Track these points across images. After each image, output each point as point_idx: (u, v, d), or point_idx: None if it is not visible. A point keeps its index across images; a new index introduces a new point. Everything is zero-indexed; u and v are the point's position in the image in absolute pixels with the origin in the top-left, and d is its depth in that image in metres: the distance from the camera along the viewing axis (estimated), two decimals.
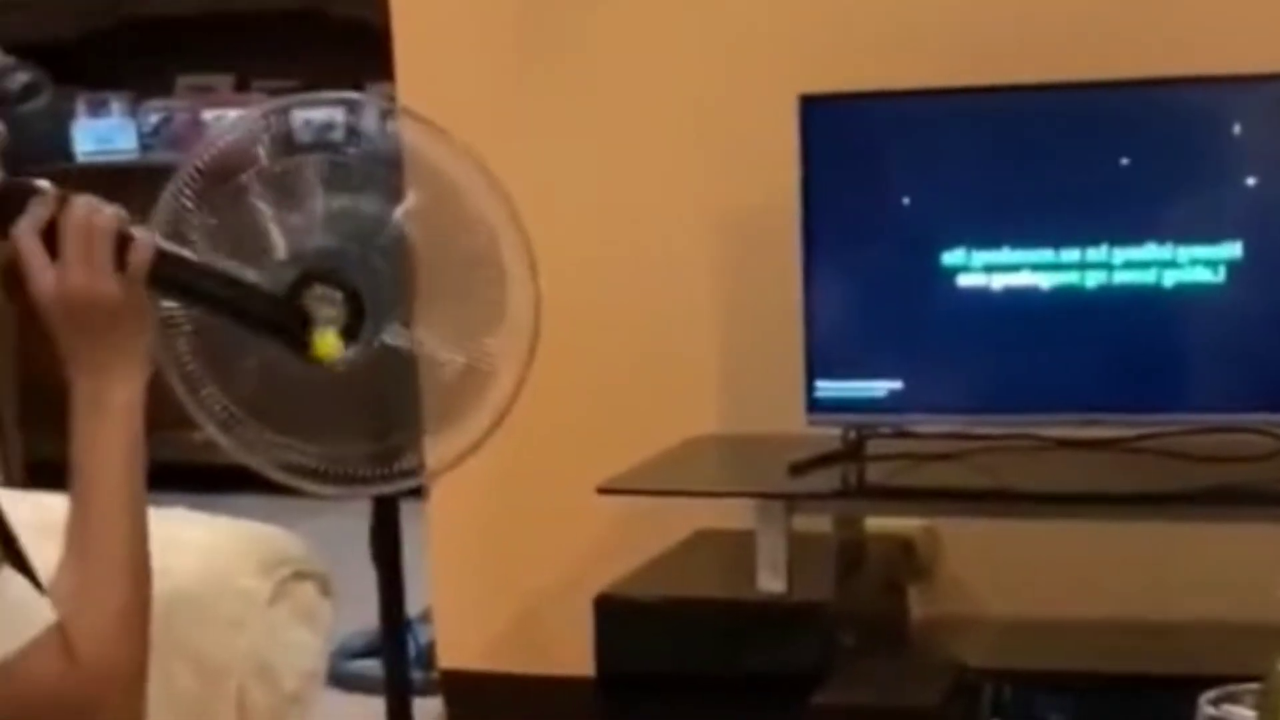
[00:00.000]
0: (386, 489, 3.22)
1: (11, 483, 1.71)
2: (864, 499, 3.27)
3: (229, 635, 2.13)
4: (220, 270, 1.72)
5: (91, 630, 1.52)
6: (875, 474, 3.24)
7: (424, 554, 3.84)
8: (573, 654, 3.44)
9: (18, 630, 1.47)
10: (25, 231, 1.57)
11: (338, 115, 3.19)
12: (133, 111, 6.23)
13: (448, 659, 3.92)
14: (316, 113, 3.17)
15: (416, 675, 3.58)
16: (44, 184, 1.59)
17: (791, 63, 3.46)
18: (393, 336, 2.69)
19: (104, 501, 1.57)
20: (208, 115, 6.09)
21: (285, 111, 3.18)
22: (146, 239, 1.60)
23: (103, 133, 6.10)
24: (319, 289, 1.84)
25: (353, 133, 3.11)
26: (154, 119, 6.21)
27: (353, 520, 3.27)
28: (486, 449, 3.18)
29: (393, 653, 3.41)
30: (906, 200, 3.25)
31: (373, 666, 3.45)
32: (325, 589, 2.26)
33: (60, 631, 1.50)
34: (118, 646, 1.54)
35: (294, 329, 1.67)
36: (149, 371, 1.60)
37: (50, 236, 1.58)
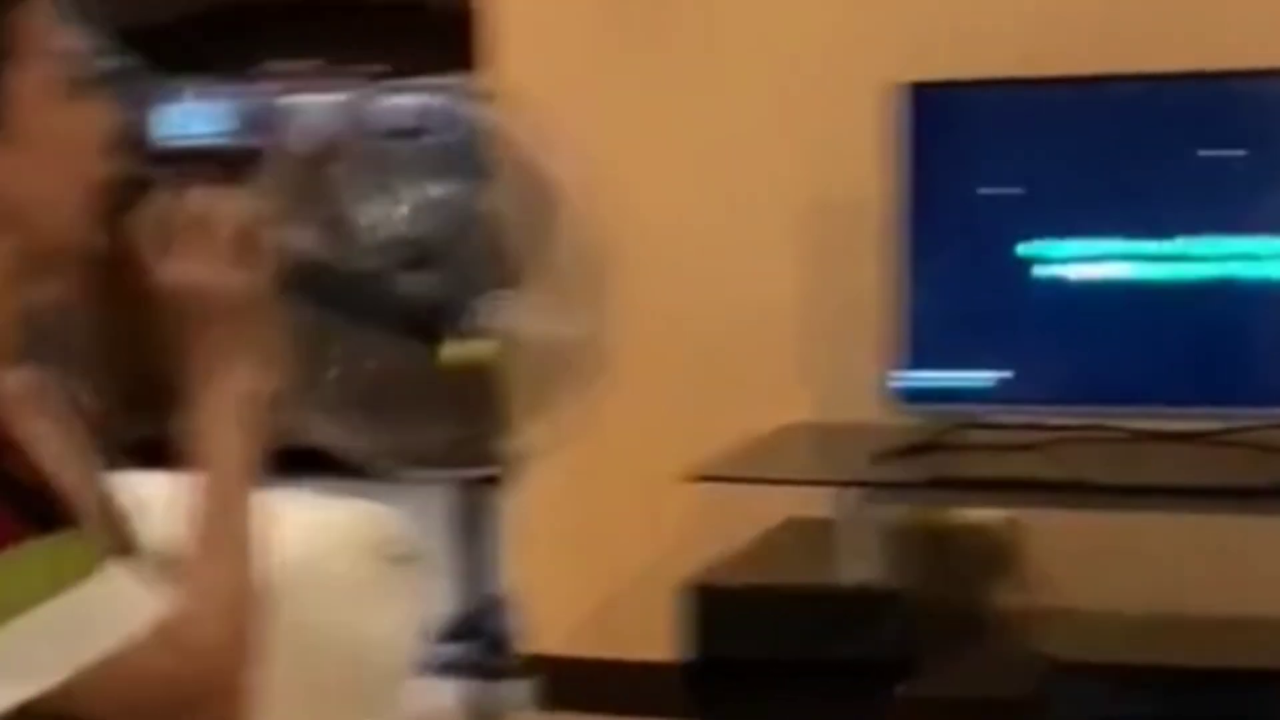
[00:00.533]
0: (473, 473, 3.26)
1: (111, 465, 1.71)
2: (948, 489, 3.27)
3: (333, 613, 2.15)
4: (359, 270, 1.71)
5: (203, 621, 1.53)
6: (960, 464, 3.24)
7: (509, 539, 3.87)
8: (658, 640, 3.46)
9: (125, 621, 1.48)
10: (146, 222, 1.59)
11: (427, 101, 3.22)
12: (220, 96, 6.27)
13: (532, 643, 3.94)
14: (405, 99, 3.20)
15: (501, 659, 3.61)
16: (166, 174, 1.60)
17: (879, 53, 3.46)
18: (487, 319, 2.71)
19: (223, 494, 1.58)
20: (294, 101, 6.12)
21: (374, 97, 3.21)
22: (280, 233, 1.61)
23: (190, 117, 6.14)
24: (415, 275, 1.84)
25: (441, 118, 3.14)
26: (241, 104, 6.25)
27: (436, 503, 3.30)
28: (574, 434, 3.21)
29: (477, 637, 3.44)
30: (998, 190, 3.25)
31: (457, 650, 3.47)
32: (425, 569, 2.28)
33: (171, 622, 1.51)
34: (229, 639, 1.55)
35: (421, 333, 1.65)
36: (272, 363, 1.60)
37: (172, 227, 1.59)
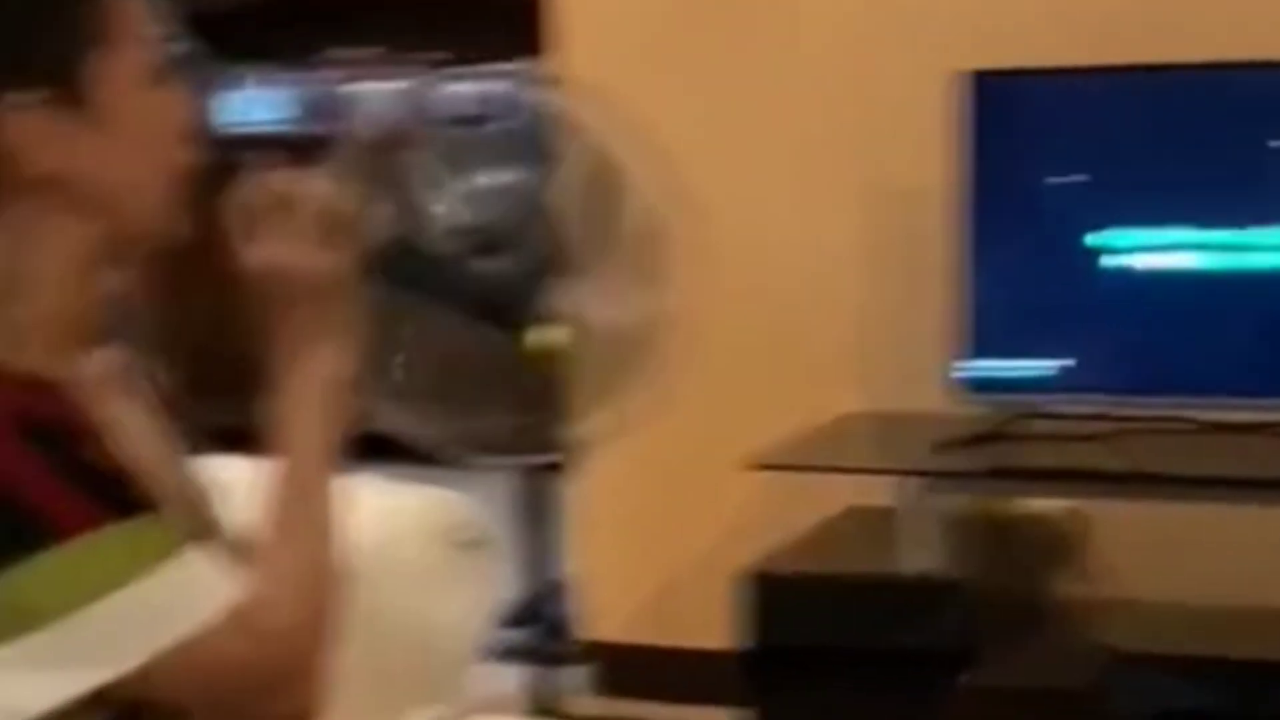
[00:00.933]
0: (537, 460, 3.26)
1: (192, 448, 1.72)
2: (1011, 479, 3.26)
3: (404, 598, 2.15)
4: (441, 261, 1.71)
5: (280, 609, 1.53)
6: (1022, 454, 3.23)
7: (571, 525, 3.87)
8: (716, 628, 3.46)
9: (202, 607, 1.49)
10: (232, 204, 1.60)
11: (490, 88, 3.22)
12: (282, 84, 6.30)
13: (592, 631, 3.95)
14: (467, 86, 3.20)
15: (560, 645, 3.62)
16: (252, 157, 1.61)
17: (944, 41, 3.45)
18: (556, 306, 2.72)
19: (303, 482, 1.58)
20: (356, 88, 6.14)
21: (436, 85, 3.22)
22: (370, 217, 1.61)
23: (252, 105, 6.16)
24: (484, 261, 1.83)
25: (505, 104, 3.14)
26: (303, 91, 6.28)
27: (499, 490, 3.31)
28: (637, 422, 3.21)
29: (538, 623, 3.45)
30: (1062, 179, 3.24)
31: (516, 636, 3.48)
32: (495, 555, 2.28)
33: (247, 609, 1.51)
34: (305, 623, 1.55)
35: (498, 318, 1.65)
36: (355, 347, 1.60)
37: (259, 209, 1.60)
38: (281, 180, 1.60)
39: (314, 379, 1.59)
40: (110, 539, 1.45)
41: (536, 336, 1.63)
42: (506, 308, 1.65)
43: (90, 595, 1.44)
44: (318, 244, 1.59)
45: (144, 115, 1.55)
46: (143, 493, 1.51)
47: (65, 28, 1.52)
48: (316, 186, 1.60)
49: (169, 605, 1.48)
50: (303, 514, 1.58)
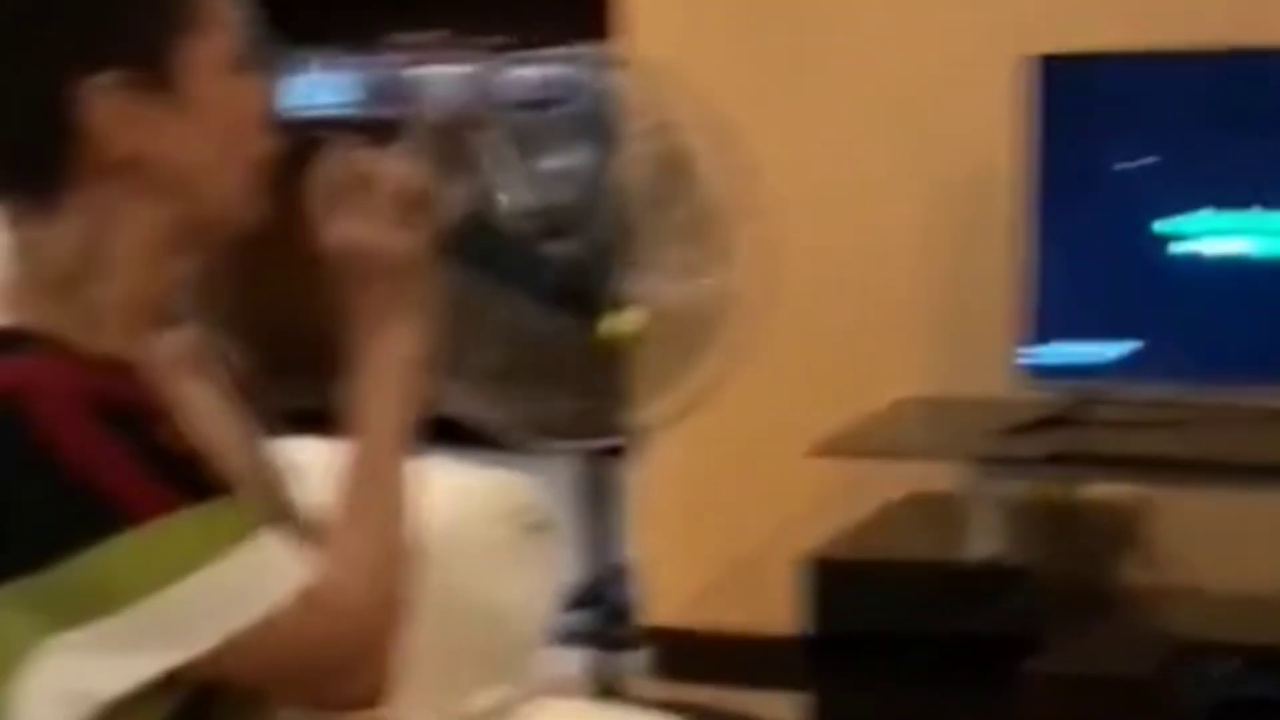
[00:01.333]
0: (599, 444, 3.27)
1: (268, 429, 1.72)
2: (1077, 465, 3.24)
3: (470, 579, 2.15)
4: (518, 242, 1.71)
5: (352, 589, 1.54)
6: (1088, 440, 3.21)
7: (632, 510, 3.87)
8: (777, 613, 3.45)
9: (275, 588, 1.49)
10: (322, 180, 1.60)
11: (555, 71, 3.23)
12: (346, 68, 6.32)
13: (652, 615, 3.95)
14: (532, 69, 3.21)
15: (621, 629, 3.62)
16: (333, 136, 1.61)
17: (1012, 25, 3.43)
18: (624, 288, 2.72)
19: (378, 460, 1.58)
20: (421, 72, 6.15)
21: (502, 68, 3.22)
22: (448, 198, 1.61)
23: (317, 88, 6.18)
24: (553, 244, 1.82)
25: (570, 88, 3.14)
26: (367, 75, 6.29)
27: (561, 474, 3.31)
28: (699, 407, 3.21)
29: (599, 607, 3.46)
30: (1128, 164, 3.22)
31: (578, 620, 3.48)
32: (559, 538, 2.28)
33: (319, 589, 1.51)
34: (377, 611, 1.55)
35: (587, 306, 1.65)
36: (430, 327, 1.60)
37: (346, 188, 1.60)
38: (359, 160, 1.61)
39: (389, 359, 1.60)
40: (185, 522, 1.46)
41: (610, 323, 1.62)
42: (577, 293, 1.65)
43: (164, 579, 1.45)
44: (394, 223, 1.59)
45: (226, 102, 1.56)
46: (217, 475, 1.51)
47: (155, 12, 1.53)
48: (393, 166, 1.60)
49: (242, 587, 1.48)
50: (375, 495, 1.58)
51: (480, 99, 3.11)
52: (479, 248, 1.64)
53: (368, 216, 1.59)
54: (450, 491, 2.05)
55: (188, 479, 1.48)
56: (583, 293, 1.64)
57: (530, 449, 3.15)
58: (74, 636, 1.45)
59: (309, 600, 1.50)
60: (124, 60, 1.51)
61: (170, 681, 1.47)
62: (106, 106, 1.51)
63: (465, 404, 3.08)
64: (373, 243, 1.59)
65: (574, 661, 3.39)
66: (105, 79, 1.51)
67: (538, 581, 2.24)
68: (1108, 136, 3.27)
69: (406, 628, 1.57)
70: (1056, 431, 3.22)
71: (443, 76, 6.04)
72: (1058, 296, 3.28)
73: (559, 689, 2.38)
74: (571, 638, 3.60)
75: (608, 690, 3.42)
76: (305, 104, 6.21)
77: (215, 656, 1.47)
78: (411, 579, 1.58)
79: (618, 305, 1.60)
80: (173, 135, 1.53)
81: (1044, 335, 3.27)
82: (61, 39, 1.51)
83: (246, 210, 1.59)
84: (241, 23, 1.58)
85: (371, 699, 1.59)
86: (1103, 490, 3.40)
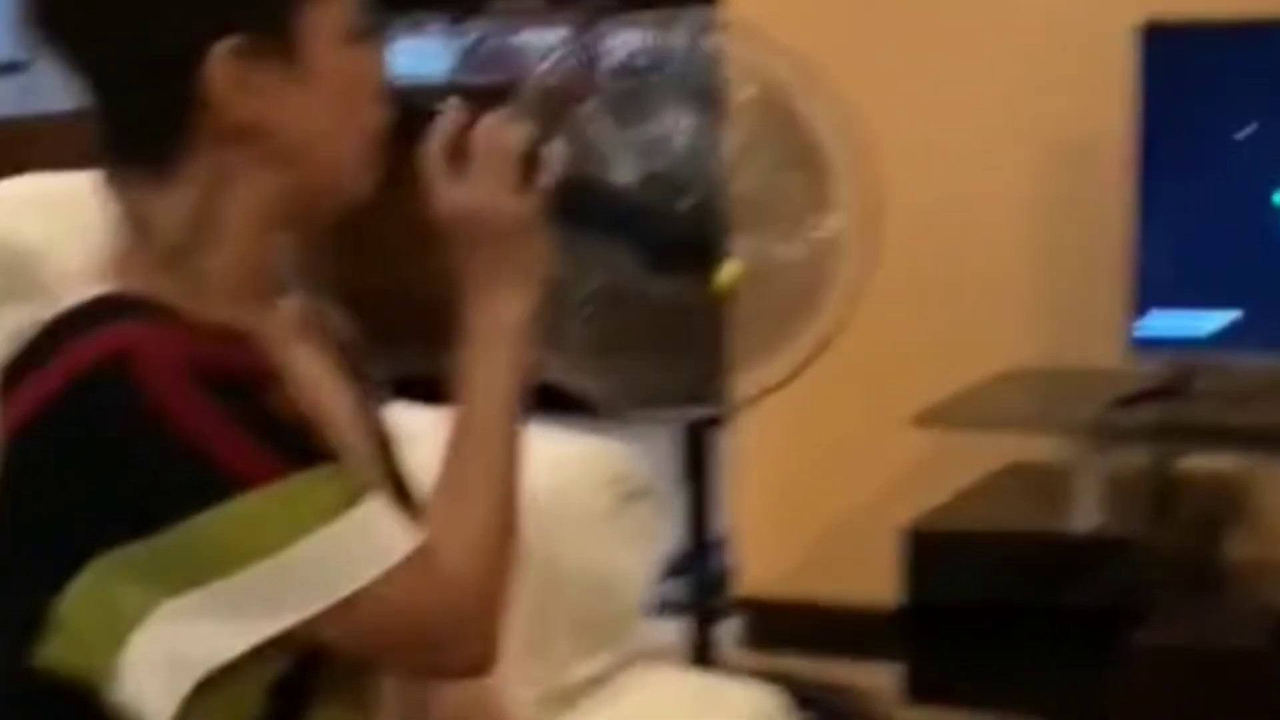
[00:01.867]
0: (698, 414, 3.25)
1: (377, 396, 1.72)
2: (1184, 437, 3.20)
3: (572, 547, 2.14)
4: (626, 196, 1.69)
5: (460, 556, 1.52)
6: (1196, 411, 3.17)
7: (729, 479, 3.86)
8: (874, 583, 3.43)
9: (379, 556, 1.48)
10: (432, 146, 1.58)
11: (654, 34, 3.21)
12: (448, 33, 6.32)
13: (747, 584, 3.94)
14: (631, 33, 3.19)
15: (717, 599, 3.62)
16: (452, 101, 1.60)
17: None
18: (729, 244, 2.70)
19: (485, 425, 1.57)
20: (521, 37, 6.15)
21: (602, 32, 3.21)
22: (554, 160, 1.59)
23: (418, 54, 6.18)
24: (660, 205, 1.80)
25: (671, 51, 3.12)
26: (468, 40, 6.30)
27: (658, 443, 3.30)
28: (800, 375, 3.19)
29: (695, 576, 3.45)
30: (1241, 132, 3.17)
31: (674, 588, 3.48)
32: (658, 508, 2.27)
33: (426, 556, 1.50)
34: (482, 580, 1.53)
35: (698, 260, 1.63)
36: (539, 292, 1.59)
37: (456, 154, 1.59)
38: (466, 126, 1.59)
39: (498, 325, 1.58)
40: (292, 489, 1.45)
41: (719, 275, 1.60)
42: (682, 250, 1.62)
43: (271, 546, 1.44)
44: (503, 188, 1.57)
45: (343, 71, 1.55)
46: (325, 443, 1.51)
47: None
48: (500, 131, 1.59)
49: (347, 555, 1.47)
50: (481, 463, 1.57)
51: (581, 64, 3.10)
52: (584, 208, 1.62)
53: (476, 181, 1.57)
54: (550, 460, 2.03)
55: (296, 446, 1.48)
56: (688, 249, 1.61)
57: (630, 418, 3.14)
58: (180, 603, 1.44)
59: (413, 569, 1.49)
60: (246, 27, 1.51)
61: (277, 646, 1.47)
62: (227, 73, 1.50)
63: (566, 372, 3.07)
64: (481, 208, 1.57)
65: (670, 630, 3.39)
66: (227, 46, 1.50)
67: (637, 551, 2.23)
68: (1217, 105, 3.21)
69: (510, 598, 1.56)
70: (1162, 403, 3.18)
71: (543, 41, 6.05)
72: (1165, 266, 3.23)
73: (655, 657, 2.37)
74: (667, 607, 3.60)
75: (702, 659, 3.42)
76: (406, 72, 6.23)
77: (318, 624, 1.46)
78: (517, 548, 1.57)
79: (720, 259, 1.58)
80: (291, 104, 1.53)
81: (1151, 305, 3.23)
82: (187, 5, 1.51)
83: (360, 180, 1.59)
84: None
85: (477, 669, 1.58)
86: (1208, 462, 3.35)
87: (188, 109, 1.51)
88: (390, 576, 1.47)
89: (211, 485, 1.43)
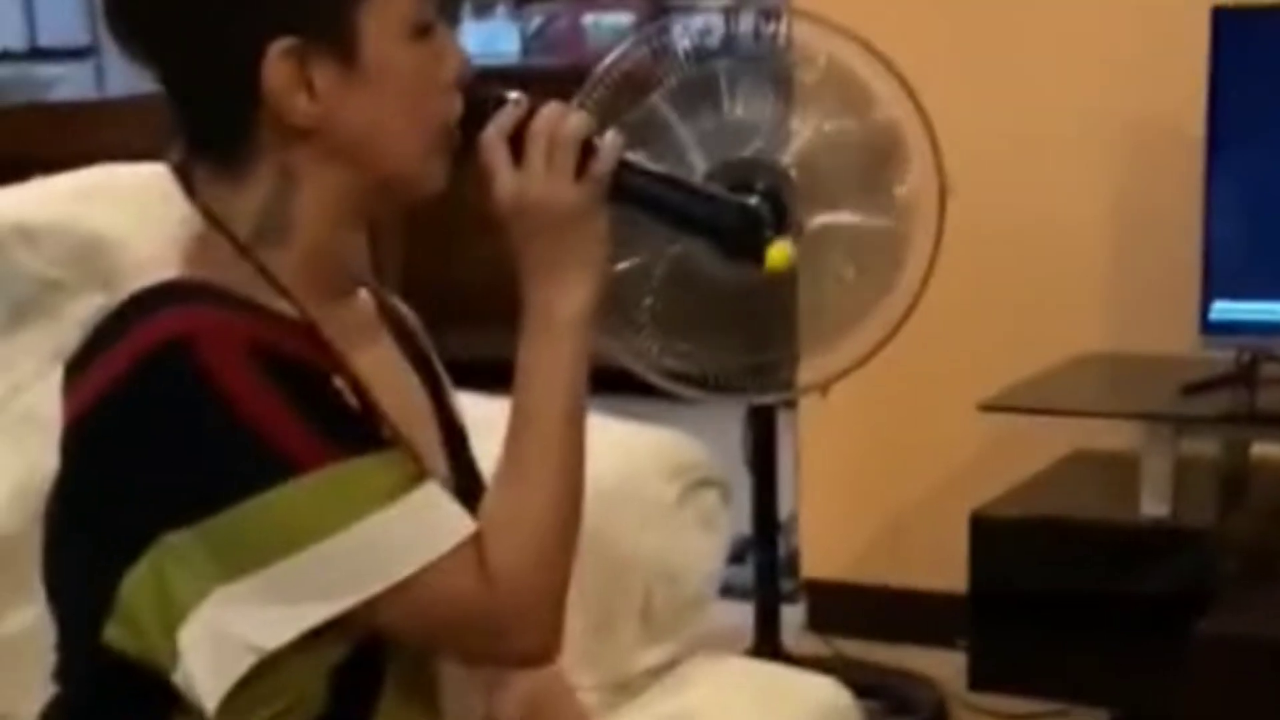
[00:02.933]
0: (765, 399, 3.25)
1: (441, 386, 1.73)
2: (1255, 424, 3.17)
3: (637, 536, 2.14)
4: (685, 181, 1.69)
5: (515, 548, 1.52)
6: (1268, 399, 3.14)
7: (793, 462, 3.86)
8: (940, 569, 3.42)
9: (435, 542, 1.49)
10: (492, 136, 1.59)
11: (725, 19, 3.21)
12: (516, 15, 6.33)
13: (811, 568, 3.94)
14: (699, 18, 3.19)
15: (782, 583, 3.61)
16: (513, 94, 1.60)
17: None
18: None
19: (544, 416, 1.57)
20: (588, 19, 6.15)
21: (670, 17, 3.20)
22: (611, 148, 1.59)
23: (486, 36, 6.19)
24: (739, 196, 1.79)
25: (739, 37, 3.12)
26: (536, 22, 6.30)
27: (724, 426, 3.30)
28: (868, 361, 3.18)
29: (760, 561, 3.45)
30: None
31: (739, 573, 3.48)
32: (725, 496, 2.26)
33: (479, 547, 1.51)
34: (539, 570, 1.53)
35: (754, 241, 1.62)
36: (600, 280, 1.59)
37: (516, 143, 1.58)
38: (543, 113, 1.59)
39: (557, 313, 1.58)
40: (345, 473, 1.47)
41: (770, 255, 1.60)
42: (747, 230, 1.63)
43: (323, 530, 1.45)
44: (563, 175, 1.57)
45: (406, 67, 1.56)
46: (383, 433, 1.52)
47: None
48: (561, 120, 1.58)
49: (399, 540, 1.48)
50: (541, 452, 1.57)
51: (653, 51, 3.10)
52: (646, 192, 1.62)
53: (533, 170, 1.58)
54: (617, 449, 2.04)
55: (351, 433, 1.49)
56: (752, 230, 1.62)
57: (697, 401, 3.14)
58: (237, 588, 1.46)
59: (465, 558, 1.50)
60: (307, 27, 1.52)
61: (333, 631, 1.48)
62: (283, 74, 1.52)
63: (633, 356, 3.07)
64: (540, 197, 1.57)
65: (735, 614, 3.39)
66: (281, 46, 1.52)
67: (704, 541, 2.22)
68: None
69: (571, 589, 1.56)
70: (1232, 390, 3.15)
71: (610, 23, 6.05)
72: (1241, 251, 3.20)
73: (719, 643, 2.37)
74: (731, 591, 3.60)
75: (767, 643, 3.42)
76: (485, 51, 6.23)
77: (372, 609, 1.47)
78: (576, 541, 1.57)
79: (771, 240, 1.58)
80: (351, 102, 1.54)
81: (1224, 292, 3.20)
82: (246, 6, 1.52)
83: (431, 174, 1.60)
84: None
85: (536, 659, 1.59)
86: (1278, 450, 3.32)
87: (252, 109, 1.53)
88: (442, 564, 1.49)
89: (266, 468, 1.45)
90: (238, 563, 1.45)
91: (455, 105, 1.59)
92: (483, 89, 1.60)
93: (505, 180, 1.58)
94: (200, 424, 1.46)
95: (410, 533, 1.48)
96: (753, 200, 1.63)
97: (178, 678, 1.48)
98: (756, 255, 1.62)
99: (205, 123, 1.57)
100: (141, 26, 1.55)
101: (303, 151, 1.54)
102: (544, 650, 1.57)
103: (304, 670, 1.50)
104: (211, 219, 1.56)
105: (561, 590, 1.55)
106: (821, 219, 2.96)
